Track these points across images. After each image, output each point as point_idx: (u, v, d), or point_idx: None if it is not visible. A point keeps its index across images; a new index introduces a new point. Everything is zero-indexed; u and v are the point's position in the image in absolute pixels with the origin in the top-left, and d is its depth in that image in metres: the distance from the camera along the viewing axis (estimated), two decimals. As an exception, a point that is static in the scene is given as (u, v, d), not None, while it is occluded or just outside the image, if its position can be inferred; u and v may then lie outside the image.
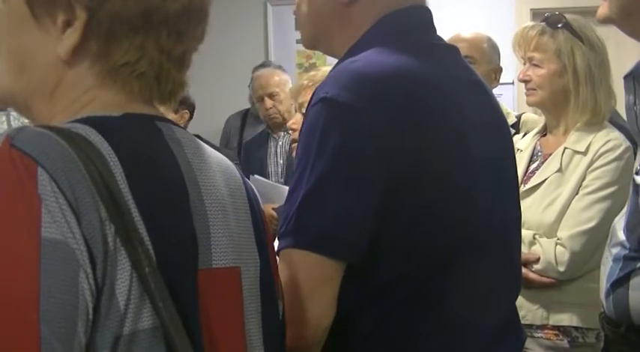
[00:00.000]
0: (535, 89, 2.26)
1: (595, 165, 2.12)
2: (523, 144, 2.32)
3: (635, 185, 1.53)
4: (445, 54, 1.30)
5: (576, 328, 2.10)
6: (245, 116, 4.60)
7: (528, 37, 2.26)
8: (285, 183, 3.32)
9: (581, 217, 2.10)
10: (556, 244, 2.10)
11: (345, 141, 1.11)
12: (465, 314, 1.20)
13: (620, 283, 1.54)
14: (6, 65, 0.93)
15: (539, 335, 2.12)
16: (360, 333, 1.18)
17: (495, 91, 2.62)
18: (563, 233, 2.10)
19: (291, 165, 3.17)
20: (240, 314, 0.92)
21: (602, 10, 1.40)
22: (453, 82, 1.24)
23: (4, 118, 2.15)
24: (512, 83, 4.36)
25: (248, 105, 4.48)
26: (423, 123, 1.15)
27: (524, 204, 1.80)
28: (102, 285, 0.76)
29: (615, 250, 1.57)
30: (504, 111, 1.86)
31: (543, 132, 2.34)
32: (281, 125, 3.95)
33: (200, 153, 0.94)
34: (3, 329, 0.70)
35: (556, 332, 2.11)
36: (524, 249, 1.98)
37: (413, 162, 1.13)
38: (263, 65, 4.26)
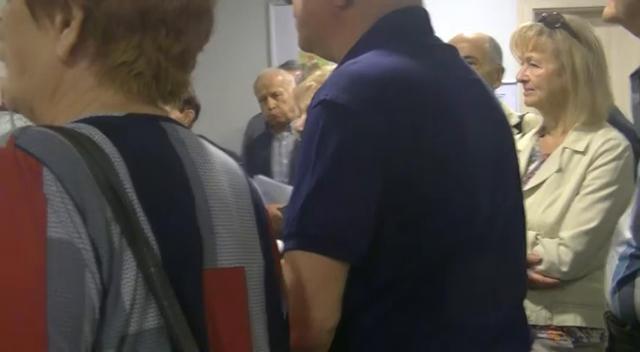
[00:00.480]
0: (533, 89, 2.26)
1: (595, 164, 2.12)
2: (521, 145, 2.32)
3: None
4: (443, 54, 1.30)
5: (580, 328, 2.10)
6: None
7: (526, 37, 2.26)
8: (290, 183, 3.32)
9: (583, 217, 2.10)
10: (559, 244, 2.10)
11: (344, 143, 1.12)
12: (465, 314, 1.20)
13: (626, 281, 1.54)
14: (11, 67, 0.94)
15: (543, 335, 2.12)
16: (361, 333, 1.19)
17: (498, 91, 2.63)
18: (566, 233, 2.10)
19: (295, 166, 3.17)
20: (245, 314, 0.92)
21: (609, 10, 1.40)
22: (452, 81, 1.25)
23: (7, 118, 2.15)
24: (515, 83, 4.34)
25: (251, 106, 4.47)
26: (421, 124, 1.15)
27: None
28: (108, 285, 0.76)
29: (621, 249, 1.57)
30: (507, 112, 1.86)
31: (541, 132, 2.34)
32: (284, 125, 3.95)
33: (204, 153, 0.94)
34: (9, 328, 0.70)
35: (560, 332, 2.11)
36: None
37: (412, 163, 1.14)
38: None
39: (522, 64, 2.31)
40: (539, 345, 2.10)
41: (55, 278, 0.72)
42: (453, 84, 1.24)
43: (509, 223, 1.30)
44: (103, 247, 0.76)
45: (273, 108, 3.95)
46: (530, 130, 2.48)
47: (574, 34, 2.18)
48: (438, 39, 1.32)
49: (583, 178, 2.12)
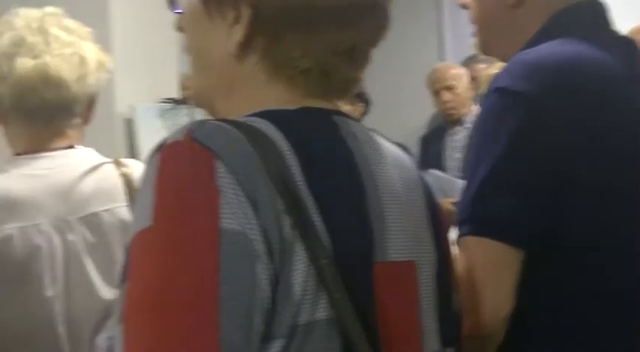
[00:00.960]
0: None
1: None
2: None
3: None
4: (620, 48, 1.25)
5: None
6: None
7: None
8: (463, 178, 3.27)
9: None
10: None
11: (519, 129, 1.11)
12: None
13: None
14: (194, 63, 0.97)
15: None
16: (534, 326, 1.15)
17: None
18: None
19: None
20: (416, 308, 0.91)
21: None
22: (628, 77, 1.20)
23: (185, 112, 2.26)
24: None
25: (423, 102, 4.44)
26: (596, 115, 1.13)
27: None
28: (278, 276, 0.77)
29: None
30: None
31: None
32: (458, 119, 3.90)
33: (376, 147, 0.94)
34: (181, 316, 0.72)
35: None
36: None
37: (585, 152, 1.12)
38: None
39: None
40: None
41: (227, 269, 0.74)
42: (630, 80, 1.20)
43: None
44: (274, 238, 0.77)
45: (447, 101, 3.90)
46: None
47: None
48: (615, 32, 1.29)
49: None
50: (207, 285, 0.73)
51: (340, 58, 0.91)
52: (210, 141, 0.79)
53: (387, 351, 0.84)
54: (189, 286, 0.73)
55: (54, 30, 1.43)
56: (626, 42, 1.28)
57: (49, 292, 1.35)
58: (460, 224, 1.14)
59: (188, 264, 0.74)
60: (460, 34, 4.98)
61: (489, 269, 1.11)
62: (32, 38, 1.41)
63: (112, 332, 0.76)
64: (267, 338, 0.77)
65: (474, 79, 3.90)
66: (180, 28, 0.98)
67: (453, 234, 1.10)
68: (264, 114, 0.86)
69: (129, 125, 2.65)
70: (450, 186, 2.94)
